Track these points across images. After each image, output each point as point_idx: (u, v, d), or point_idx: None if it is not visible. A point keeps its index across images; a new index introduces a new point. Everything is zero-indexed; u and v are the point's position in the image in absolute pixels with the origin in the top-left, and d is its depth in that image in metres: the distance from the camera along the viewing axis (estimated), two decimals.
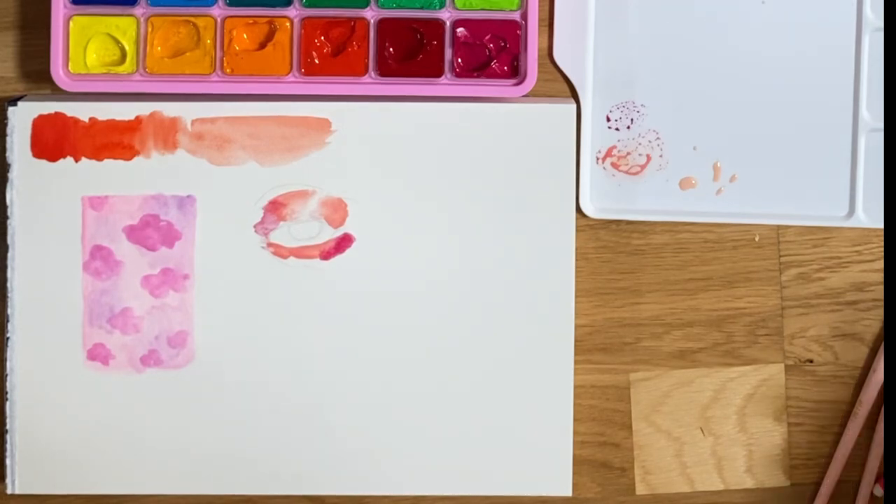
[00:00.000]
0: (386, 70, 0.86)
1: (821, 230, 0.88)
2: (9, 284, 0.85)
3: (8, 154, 0.84)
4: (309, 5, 0.85)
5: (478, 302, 0.85)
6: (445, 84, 0.86)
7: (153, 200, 0.85)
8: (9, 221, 0.84)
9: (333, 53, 0.86)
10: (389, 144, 0.85)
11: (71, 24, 0.85)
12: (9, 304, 0.85)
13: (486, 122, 0.85)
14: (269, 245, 0.85)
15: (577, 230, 0.86)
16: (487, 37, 0.86)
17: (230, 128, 0.85)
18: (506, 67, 0.86)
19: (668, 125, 0.87)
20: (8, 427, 0.85)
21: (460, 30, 0.85)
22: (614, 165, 0.87)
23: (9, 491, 0.85)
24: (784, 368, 0.89)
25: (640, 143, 0.87)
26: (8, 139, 0.84)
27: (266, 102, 0.85)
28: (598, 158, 0.87)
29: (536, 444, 0.85)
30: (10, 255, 0.85)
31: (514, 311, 0.85)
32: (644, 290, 0.88)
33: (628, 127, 0.87)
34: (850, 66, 0.87)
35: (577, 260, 0.86)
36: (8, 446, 0.85)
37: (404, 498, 0.87)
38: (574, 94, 0.87)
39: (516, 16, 0.85)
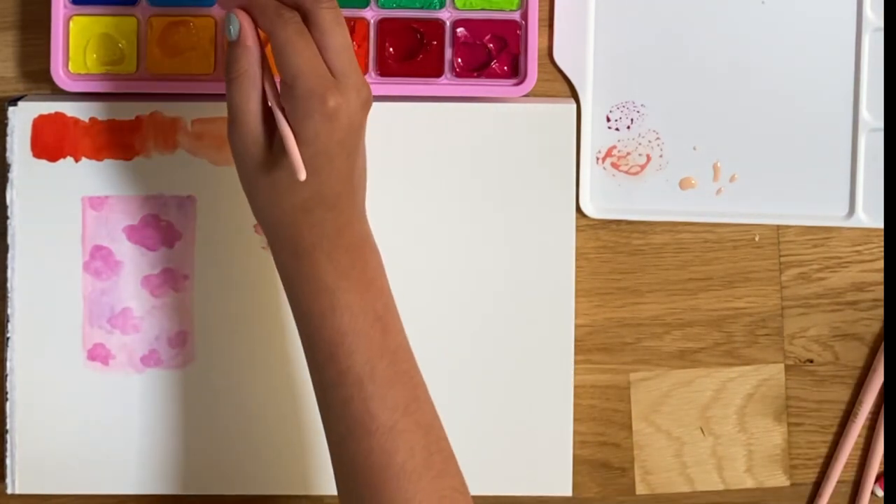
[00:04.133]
0: (386, 70, 0.85)
1: (821, 230, 0.88)
2: (9, 284, 0.85)
3: (8, 154, 0.84)
4: None
5: (478, 302, 0.85)
6: (445, 84, 0.86)
7: (153, 200, 0.85)
8: (9, 221, 0.84)
9: None
10: (389, 144, 0.84)
11: (71, 24, 0.85)
12: (9, 304, 0.85)
13: (486, 122, 0.84)
14: None
15: (577, 230, 0.86)
16: (487, 37, 0.85)
17: None
18: (506, 67, 0.86)
19: (668, 125, 0.87)
20: (8, 427, 0.85)
21: (460, 30, 0.85)
22: (614, 165, 0.87)
23: (9, 491, 0.85)
24: (784, 368, 0.89)
25: (640, 143, 0.87)
26: (8, 139, 0.84)
27: None
28: (598, 158, 0.87)
29: (536, 444, 0.85)
30: (10, 255, 0.85)
31: (514, 311, 0.85)
32: (644, 290, 0.88)
33: (628, 127, 0.87)
34: (850, 66, 0.87)
35: (577, 260, 0.86)
36: (8, 446, 0.85)
37: None
38: (574, 94, 0.87)
39: (516, 16, 0.85)
